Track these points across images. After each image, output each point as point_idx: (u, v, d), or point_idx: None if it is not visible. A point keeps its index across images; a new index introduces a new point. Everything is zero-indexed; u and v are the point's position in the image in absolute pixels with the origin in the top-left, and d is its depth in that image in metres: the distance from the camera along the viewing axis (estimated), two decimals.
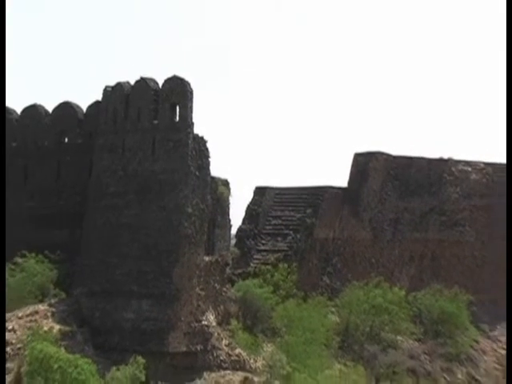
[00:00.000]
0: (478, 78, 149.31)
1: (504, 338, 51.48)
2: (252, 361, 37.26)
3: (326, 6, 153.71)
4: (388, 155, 53.04)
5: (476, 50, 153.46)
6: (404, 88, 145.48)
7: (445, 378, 44.34)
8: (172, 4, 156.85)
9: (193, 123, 37.02)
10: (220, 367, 36.01)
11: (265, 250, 48.29)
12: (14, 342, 33.07)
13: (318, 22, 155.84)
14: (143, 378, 29.85)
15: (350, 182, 52.00)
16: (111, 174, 37.29)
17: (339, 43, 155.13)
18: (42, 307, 35.61)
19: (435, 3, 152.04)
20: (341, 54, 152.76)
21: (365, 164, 51.83)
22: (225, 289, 39.75)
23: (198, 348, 35.61)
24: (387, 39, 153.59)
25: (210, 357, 36.06)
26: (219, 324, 37.92)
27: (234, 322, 39.31)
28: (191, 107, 36.94)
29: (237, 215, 49.44)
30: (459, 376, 45.35)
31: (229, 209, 45.18)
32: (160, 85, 37.19)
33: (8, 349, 32.90)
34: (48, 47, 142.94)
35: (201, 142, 37.53)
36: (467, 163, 56.34)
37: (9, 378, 31.25)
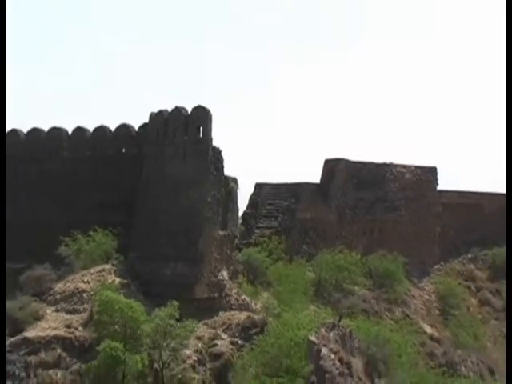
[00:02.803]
0: (419, 95, 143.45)
1: (428, 288, 51.55)
2: (253, 304, 37.29)
3: (308, 14, 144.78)
4: (348, 160, 52.79)
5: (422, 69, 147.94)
6: (362, 105, 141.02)
7: (387, 315, 44.32)
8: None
9: (212, 138, 36.99)
10: (231, 308, 36.06)
11: (262, 227, 48.16)
12: (88, 290, 33.25)
13: (300, 34, 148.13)
14: (177, 316, 29.87)
15: (321, 179, 51.77)
16: (155, 174, 37.27)
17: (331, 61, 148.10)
18: (107, 266, 35.70)
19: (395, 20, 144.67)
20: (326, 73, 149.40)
21: (332, 167, 51.63)
22: (234, 254, 39.80)
23: (216, 295, 35.76)
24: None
25: (224, 301, 36.16)
26: (230, 278, 37.95)
27: (240, 277, 39.39)
28: (211, 127, 36.91)
29: (242, 203, 49.39)
30: (397, 314, 45.32)
31: (237, 198, 44.87)
32: (189, 111, 37.11)
33: (84, 295, 33.08)
34: (109, 83, 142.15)
35: (217, 152, 37.47)
36: (403, 166, 55.98)
37: (85, 315, 31.36)
